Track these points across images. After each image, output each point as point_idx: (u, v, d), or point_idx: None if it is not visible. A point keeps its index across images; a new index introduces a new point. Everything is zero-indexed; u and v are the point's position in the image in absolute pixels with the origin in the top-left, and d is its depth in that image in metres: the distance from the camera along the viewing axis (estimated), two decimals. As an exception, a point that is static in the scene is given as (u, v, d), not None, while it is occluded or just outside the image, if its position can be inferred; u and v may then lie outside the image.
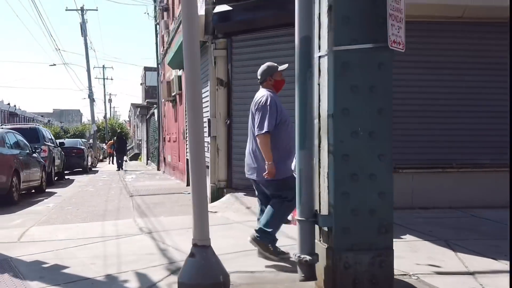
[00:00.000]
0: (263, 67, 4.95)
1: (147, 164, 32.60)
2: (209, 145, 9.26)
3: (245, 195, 8.52)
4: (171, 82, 16.33)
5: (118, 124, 75.13)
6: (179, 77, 14.98)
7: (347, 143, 3.66)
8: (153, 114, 27.92)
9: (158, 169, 23.45)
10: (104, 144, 46.89)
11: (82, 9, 38.65)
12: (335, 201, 3.65)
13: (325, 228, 3.77)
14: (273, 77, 4.87)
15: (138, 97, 49.48)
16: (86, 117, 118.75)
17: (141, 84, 43.43)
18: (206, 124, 9.27)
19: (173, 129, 17.67)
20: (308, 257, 3.72)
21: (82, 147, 23.76)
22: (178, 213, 8.33)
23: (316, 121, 3.88)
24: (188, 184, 12.92)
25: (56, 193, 12.75)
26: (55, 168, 16.41)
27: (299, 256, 3.78)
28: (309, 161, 3.79)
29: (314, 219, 3.78)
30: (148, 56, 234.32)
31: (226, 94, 9.08)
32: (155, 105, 26.95)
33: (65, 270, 4.92)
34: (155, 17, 23.49)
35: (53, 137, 18.30)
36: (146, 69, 39.77)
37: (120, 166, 23.82)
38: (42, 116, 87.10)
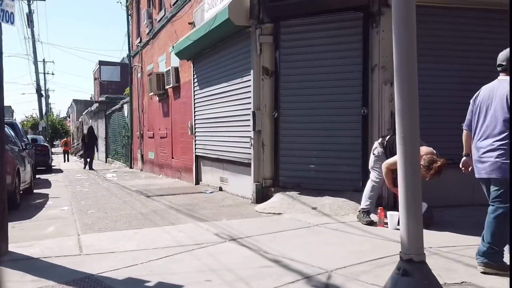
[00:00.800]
0: (508, 51, 4.09)
1: (106, 162, 30.77)
2: (252, 140, 8.43)
3: (299, 194, 7.78)
4: (162, 75, 15.17)
5: (59, 120, 71.75)
6: (176, 69, 13.96)
7: None
8: (118, 109, 26.35)
9: (131, 167, 22.07)
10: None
11: (28, -1, 36.39)
12: None
13: None
14: None
15: (83, 92, 47.34)
16: (22, 114, 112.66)
17: (95, 79, 41.30)
18: (250, 117, 8.46)
19: (160, 125, 16.51)
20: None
21: (46, 144, 22.02)
22: (236, 214, 7.43)
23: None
24: (197, 183, 12.03)
25: (47, 194, 11.39)
26: (30, 167, 14.85)
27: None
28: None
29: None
30: (106, 48, 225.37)
31: (273, 85, 8.27)
32: (123, 100, 25.45)
33: (185, 291, 4.05)
34: (127, 7, 22.08)
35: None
36: (101, 63, 37.80)
37: (89, 165, 21.95)
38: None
